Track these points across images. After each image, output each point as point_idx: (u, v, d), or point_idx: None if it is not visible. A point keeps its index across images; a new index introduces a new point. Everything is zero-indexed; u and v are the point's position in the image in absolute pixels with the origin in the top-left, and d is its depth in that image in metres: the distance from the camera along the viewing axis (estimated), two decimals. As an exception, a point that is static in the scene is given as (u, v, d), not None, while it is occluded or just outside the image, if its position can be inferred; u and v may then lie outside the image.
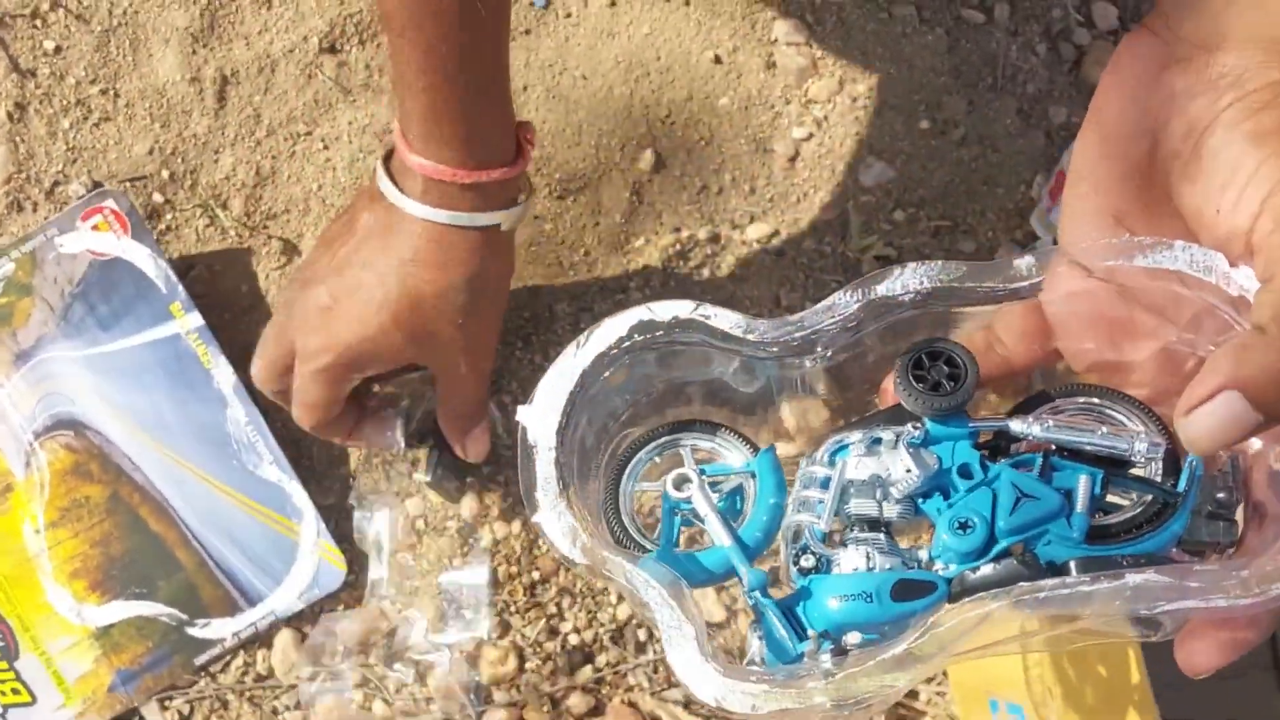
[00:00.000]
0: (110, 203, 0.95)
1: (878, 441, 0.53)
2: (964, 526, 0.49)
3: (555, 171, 0.97)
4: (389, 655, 0.95)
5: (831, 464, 0.52)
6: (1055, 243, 0.94)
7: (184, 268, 0.96)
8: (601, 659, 0.95)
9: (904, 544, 0.52)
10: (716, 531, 0.52)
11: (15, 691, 0.92)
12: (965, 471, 0.51)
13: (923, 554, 0.51)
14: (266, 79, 0.98)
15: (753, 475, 0.54)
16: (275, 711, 0.95)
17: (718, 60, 0.97)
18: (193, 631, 0.93)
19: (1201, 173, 0.49)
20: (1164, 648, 0.71)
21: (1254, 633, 0.49)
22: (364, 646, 0.95)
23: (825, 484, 0.52)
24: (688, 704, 0.95)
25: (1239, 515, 0.51)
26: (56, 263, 0.95)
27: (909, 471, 0.50)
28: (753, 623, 0.51)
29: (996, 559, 0.49)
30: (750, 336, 0.52)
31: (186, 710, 0.94)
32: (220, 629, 0.94)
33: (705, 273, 0.96)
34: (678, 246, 0.96)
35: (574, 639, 0.95)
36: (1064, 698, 0.74)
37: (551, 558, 0.95)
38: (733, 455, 0.56)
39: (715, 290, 0.97)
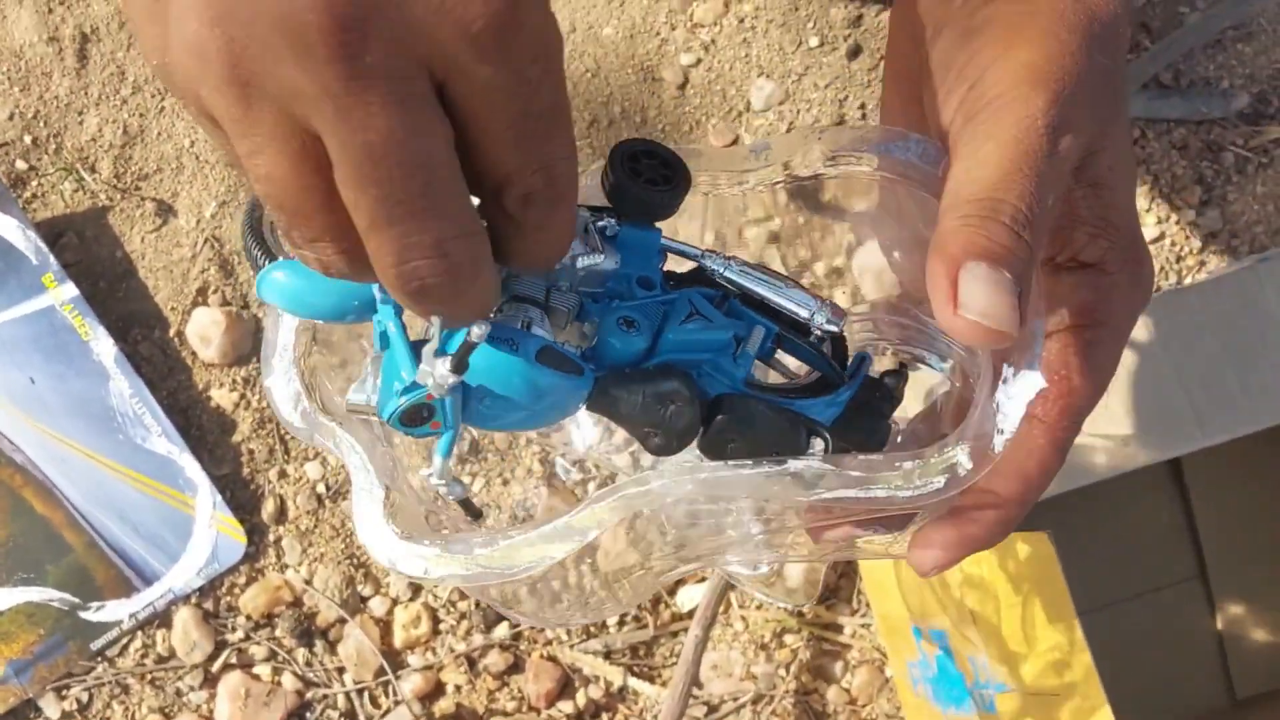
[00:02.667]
0: (-30, 174, 0.91)
1: None
2: (629, 324, 0.47)
3: (436, 114, 0.93)
4: (296, 627, 0.91)
5: None
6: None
7: (52, 235, 0.92)
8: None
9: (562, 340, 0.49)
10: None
11: (-98, 690, 0.88)
12: (646, 283, 0.49)
13: (576, 352, 0.48)
14: (129, 34, 0.93)
15: None
16: (179, 693, 0.91)
17: (597, -12, 0.94)
18: (86, 615, 0.90)
19: (929, 79, 0.48)
20: (1080, 570, 0.69)
21: (980, 530, 0.48)
22: (269, 619, 0.92)
23: None
24: (608, 654, 0.92)
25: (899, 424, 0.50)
26: (-83, 240, 0.90)
27: (590, 254, 0.47)
28: (372, 358, 0.47)
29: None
30: None
31: (85, 698, 0.90)
32: (116, 611, 0.90)
33: (598, 209, 0.93)
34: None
35: (488, 596, 0.92)
36: (986, 624, 0.72)
37: (460, 511, 0.92)
38: None
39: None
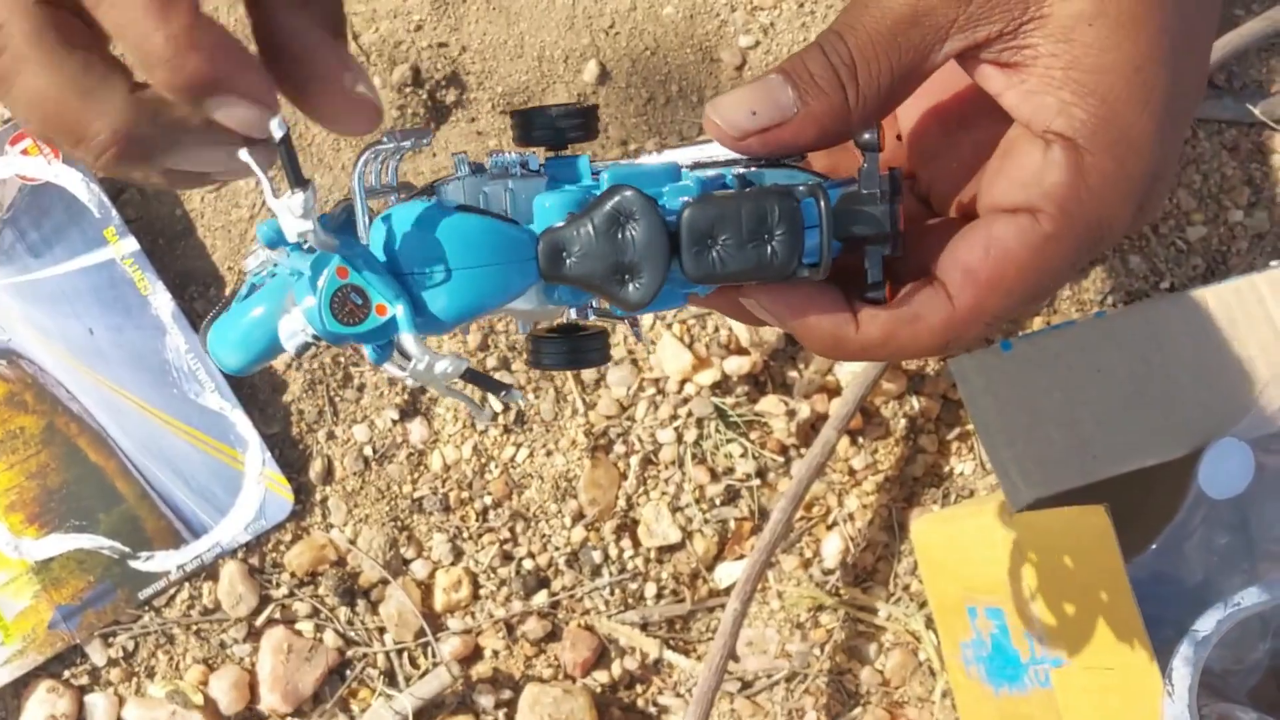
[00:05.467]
0: (37, 126, 0.92)
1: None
2: (556, 187, 0.45)
3: (498, 85, 0.95)
4: (338, 586, 0.92)
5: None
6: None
7: (115, 190, 0.93)
8: (557, 583, 0.93)
9: None
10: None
11: (-48, 629, 0.89)
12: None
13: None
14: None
15: None
16: (223, 645, 0.92)
17: (661, -33, 0.95)
18: (136, 564, 0.91)
19: None
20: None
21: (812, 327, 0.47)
22: (313, 577, 0.93)
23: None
24: (644, 625, 0.93)
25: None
26: (-17, 189, 0.92)
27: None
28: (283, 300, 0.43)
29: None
30: None
31: (131, 646, 0.92)
32: (164, 561, 0.91)
33: (653, 186, 0.94)
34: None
35: (528, 564, 0.93)
36: (1043, 594, 0.73)
37: (503, 481, 0.93)
38: None
39: (664, 204, 0.95)
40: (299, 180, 0.40)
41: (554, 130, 0.47)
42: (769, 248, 0.43)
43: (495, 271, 0.43)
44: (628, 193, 0.43)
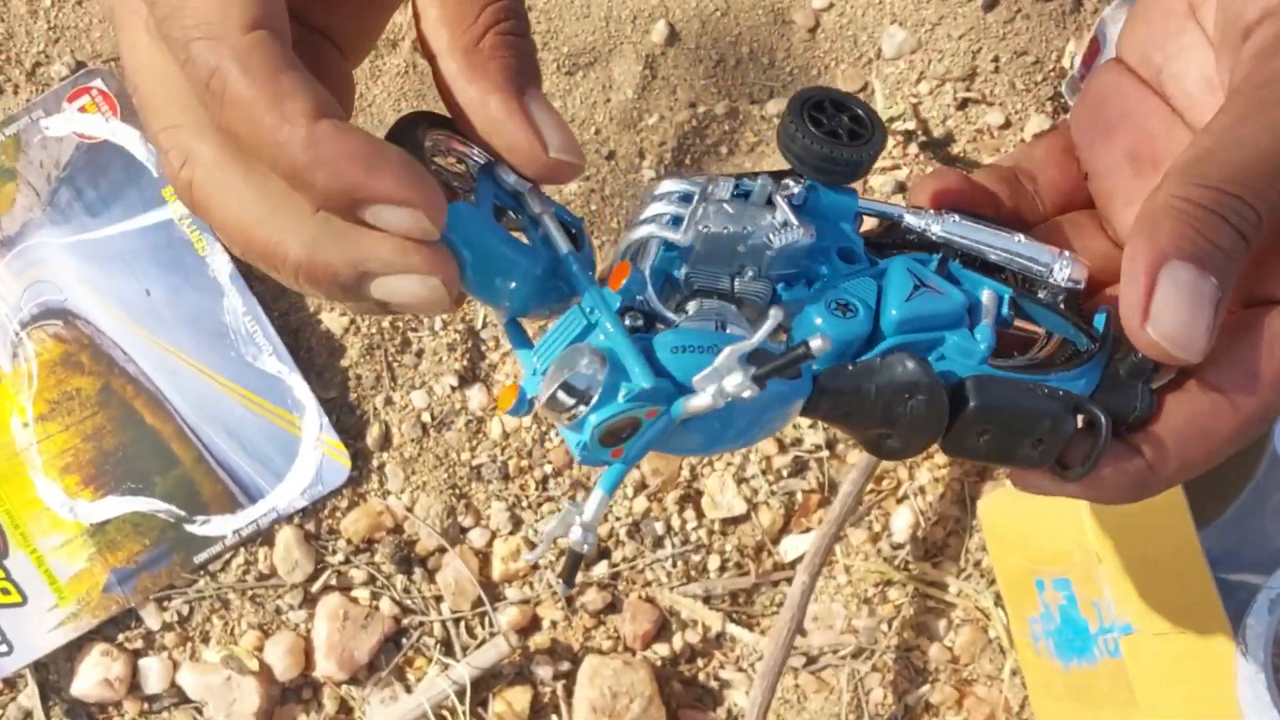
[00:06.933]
0: (98, 83, 0.90)
1: (746, 194, 0.42)
2: (844, 309, 0.40)
3: (563, 45, 0.93)
4: (395, 553, 0.91)
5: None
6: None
7: (175, 149, 0.92)
8: (618, 554, 0.92)
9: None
10: (551, 233, 0.41)
11: (4, 591, 0.88)
12: (847, 255, 0.42)
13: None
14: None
15: None
16: (279, 611, 0.91)
17: (732, -75, 0.92)
18: (192, 529, 0.89)
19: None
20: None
21: (1121, 476, 0.43)
22: (370, 544, 0.91)
23: (686, 198, 0.41)
24: (707, 598, 0.91)
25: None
26: (42, 146, 0.90)
27: (783, 227, 0.40)
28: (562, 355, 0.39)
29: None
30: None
31: (186, 611, 0.90)
32: (220, 526, 0.90)
33: (723, 149, 0.92)
34: (694, 123, 0.92)
35: (589, 534, 0.91)
36: (1111, 564, 0.71)
37: (564, 449, 0.91)
38: None
39: (734, 168, 0.93)
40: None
41: (838, 166, 0.42)
42: (1032, 452, 0.40)
43: (759, 433, 0.40)
44: (923, 379, 0.39)
